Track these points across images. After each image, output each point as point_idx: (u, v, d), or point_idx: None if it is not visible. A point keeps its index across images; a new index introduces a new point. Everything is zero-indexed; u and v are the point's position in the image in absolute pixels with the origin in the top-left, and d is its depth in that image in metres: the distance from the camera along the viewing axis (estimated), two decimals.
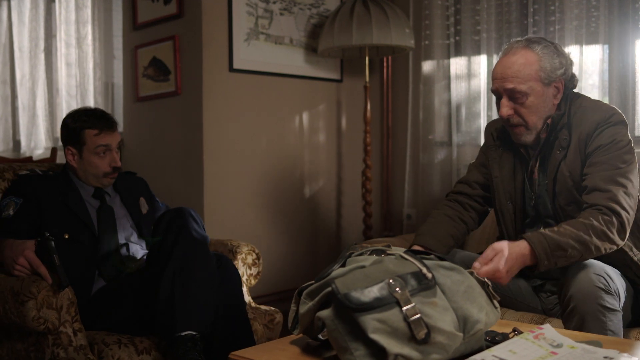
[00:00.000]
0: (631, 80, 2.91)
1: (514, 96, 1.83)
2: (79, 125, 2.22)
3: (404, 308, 1.14)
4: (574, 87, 1.89)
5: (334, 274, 1.25)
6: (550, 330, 1.31)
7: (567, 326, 1.67)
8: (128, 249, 2.25)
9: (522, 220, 1.94)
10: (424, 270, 1.21)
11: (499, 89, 1.86)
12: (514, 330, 1.37)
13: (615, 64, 2.95)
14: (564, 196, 1.83)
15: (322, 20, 3.68)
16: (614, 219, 1.70)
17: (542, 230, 1.72)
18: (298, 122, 3.63)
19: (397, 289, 1.16)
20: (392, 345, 1.12)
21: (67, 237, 2.14)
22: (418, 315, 1.14)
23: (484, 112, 3.40)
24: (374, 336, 1.12)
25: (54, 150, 3.55)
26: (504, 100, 1.85)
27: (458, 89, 3.51)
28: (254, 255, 2.39)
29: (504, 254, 1.63)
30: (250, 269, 2.37)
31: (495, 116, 3.37)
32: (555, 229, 1.70)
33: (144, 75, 3.40)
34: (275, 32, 3.45)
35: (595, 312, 1.61)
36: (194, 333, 1.76)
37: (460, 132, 3.53)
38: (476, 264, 1.63)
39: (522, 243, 1.68)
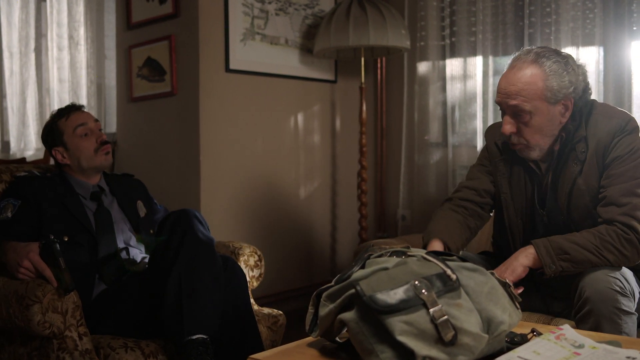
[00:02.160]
0: (627, 81, 2.93)
1: (517, 114, 1.75)
2: (50, 122, 2.30)
3: (431, 310, 1.13)
4: (587, 99, 1.80)
5: (355, 275, 1.24)
6: (570, 331, 1.31)
7: (580, 327, 1.66)
8: (128, 253, 2.22)
9: (532, 236, 1.86)
10: (448, 271, 1.21)
11: (502, 104, 1.78)
12: (533, 331, 1.37)
13: (610, 66, 2.97)
14: (580, 212, 1.79)
15: (317, 20, 3.67)
16: (631, 235, 1.68)
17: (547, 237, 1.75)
18: (293, 123, 3.62)
19: (423, 291, 1.15)
20: (420, 347, 1.11)
21: (66, 239, 2.11)
22: (445, 317, 1.13)
23: (480, 114, 3.41)
24: (401, 338, 1.12)
25: (47, 151, 3.49)
26: (507, 117, 1.77)
27: (454, 90, 3.52)
28: (256, 257, 2.37)
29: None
30: (252, 270, 2.35)
31: (490, 117, 3.39)
32: (562, 236, 1.74)
33: (138, 76, 3.37)
34: (271, 32, 3.44)
35: (611, 314, 1.61)
36: (204, 337, 1.74)
37: (456, 134, 3.54)
38: None
39: (522, 249, 1.74)
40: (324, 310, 1.30)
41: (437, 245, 1.87)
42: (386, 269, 1.23)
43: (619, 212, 1.69)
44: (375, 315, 1.15)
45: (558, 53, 1.77)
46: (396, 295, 1.15)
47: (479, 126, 3.40)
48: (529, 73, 1.72)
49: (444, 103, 3.59)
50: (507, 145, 1.86)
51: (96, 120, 2.34)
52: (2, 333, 1.89)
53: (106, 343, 1.84)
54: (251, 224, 3.38)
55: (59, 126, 2.27)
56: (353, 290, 1.20)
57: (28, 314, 1.71)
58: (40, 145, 3.80)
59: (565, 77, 1.72)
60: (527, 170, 1.87)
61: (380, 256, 1.34)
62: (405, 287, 1.16)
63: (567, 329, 1.31)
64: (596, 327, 1.63)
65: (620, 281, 1.64)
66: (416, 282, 1.16)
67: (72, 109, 2.32)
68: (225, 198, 3.26)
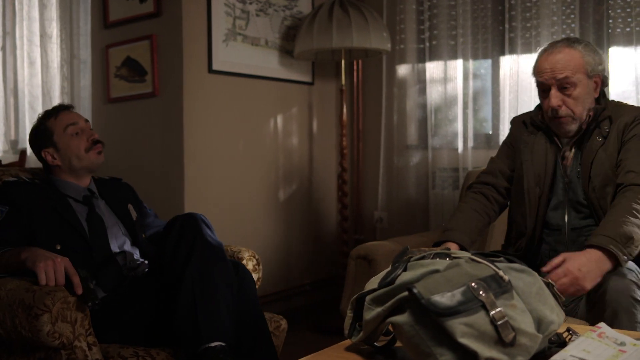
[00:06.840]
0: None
1: (563, 87, 1.93)
2: (38, 123, 2.22)
3: (491, 312, 1.13)
4: (607, 85, 2.02)
5: (405, 278, 1.23)
6: (608, 329, 1.33)
7: (595, 318, 1.70)
8: (125, 258, 2.16)
9: (547, 204, 2.02)
10: (500, 272, 1.21)
11: (548, 81, 1.94)
12: (568, 330, 1.38)
13: None
14: (600, 179, 1.91)
15: (295, 22, 3.65)
16: None
17: (597, 233, 1.74)
18: (273, 125, 3.59)
19: (481, 292, 1.15)
20: (482, 349, 1.11)
21: (59, 247, 2.02)
22: (505, 319, 1.13)
23: (461, 116, 3.45)
24: (463, 340, 1.11)
25: (22, 154, 3.35)
26: (554, 92, 1.94)
27: (434, 93, 3.55)
28: (254, 261, 2.33)
29: (570, 260, 1.67)
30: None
31: (470, 120, 3.44)
32: (607, 224, 1.73)
33: (116, 76, 3.27)
34: (252, 33, 3.40)
35: (628, 305, 1.66)
36: (223, 344, 1.69)
37: (436, 136, 3.57)
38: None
39: (588, 251, 1.70)
40: (369, 314, 1.28)
41: (451, 247, 1.99)
42: (438, 271, 1.22)
43: (636, 176, 1.83)
44: (432, 318, 1.14)
45: (584, 40, 2.01)
46: (454, 297, 1.14)
47: (460, 129, 3.44)
48: (568, 53, 1.94)
49: (424, 106, 3.62)
50: (535, 122, 2.06)
51: (86, 121, 2.26)
52: (0, 344, 1.79)
53: (116, 352, 1.77)
54: (235, 227, 3.33)
55: (48, 126, 2.19)
56: (405, 293, 1.19)
57: (37, 324, 1.62)
58: (8, 147, 3.65)
59: (597, 55, 1.96)
60: (550, 143, 2.03)
61: (422, 258, 1.33)
62: (462, 289, 1.16)
63: (604, 327, 1.34)
64: (612, 319, 1.67)
65: (635, 273, 1.72)
66: (473, 284, 1.16)
67: (60, 109, 2.24)
68: (209, 201, 3.20)
